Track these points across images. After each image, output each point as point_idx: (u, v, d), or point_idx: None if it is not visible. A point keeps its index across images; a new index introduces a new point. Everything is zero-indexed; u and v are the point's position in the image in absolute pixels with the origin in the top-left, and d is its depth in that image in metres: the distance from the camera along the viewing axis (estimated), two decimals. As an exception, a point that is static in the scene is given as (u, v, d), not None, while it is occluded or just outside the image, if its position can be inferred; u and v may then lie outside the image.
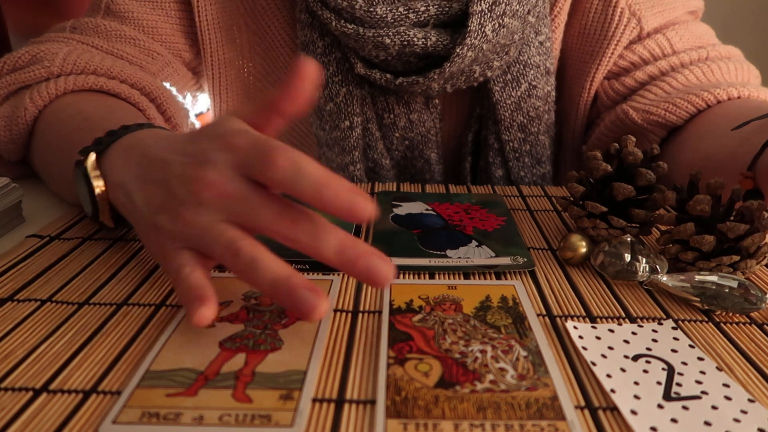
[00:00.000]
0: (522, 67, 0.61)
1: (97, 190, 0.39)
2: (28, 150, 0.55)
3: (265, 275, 0.30)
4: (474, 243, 0.44)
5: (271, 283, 0.30)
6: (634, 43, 0.64)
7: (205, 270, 0.32)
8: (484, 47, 0.55)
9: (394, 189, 0.58)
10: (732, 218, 0.39)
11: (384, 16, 0.55)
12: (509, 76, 0.61)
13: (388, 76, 0.58)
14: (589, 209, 0.43)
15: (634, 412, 0.27)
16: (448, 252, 0.43)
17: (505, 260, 0.42)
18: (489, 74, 0.60)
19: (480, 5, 0.54)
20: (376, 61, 0.58)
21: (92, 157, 0.39)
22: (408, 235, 0.46)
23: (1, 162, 0.57)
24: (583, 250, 0.41)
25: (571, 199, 0.46)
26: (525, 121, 0.63)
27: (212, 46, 0.66)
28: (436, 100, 0.63)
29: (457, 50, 0.54)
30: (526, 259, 0.42)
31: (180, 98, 0.65)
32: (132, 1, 0.62)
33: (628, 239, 0.40)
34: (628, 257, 0.39)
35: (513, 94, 0.62)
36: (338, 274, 0.39)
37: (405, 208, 0.51)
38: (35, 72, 0.53)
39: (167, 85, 0.63)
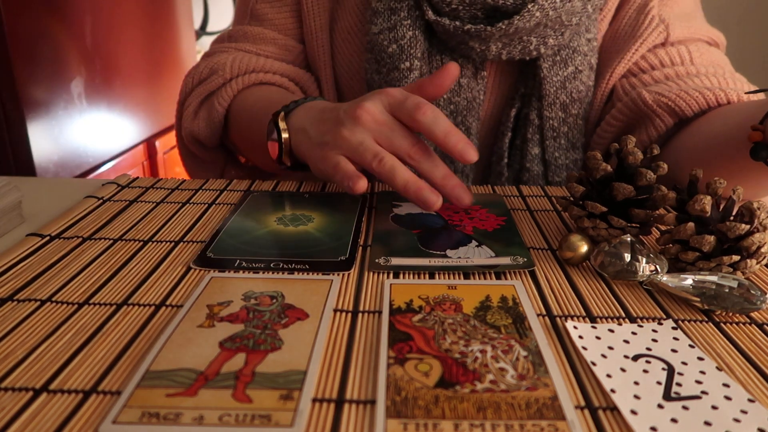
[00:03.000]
0: (571, 52, 0.66)
1: (284, 134, 0.54)
2: (226, 136, 0.74)
3: (401, 177, 0.46)
4: (474, 243, 0.44)
5: (404, 184, 0.46)
6: (658, 47, 0.67)
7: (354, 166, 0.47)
8: (550, 14, 0.59)
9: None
10: (732, 218, 0.39)
11: None
12: (558, 57, 0.66)
13: (457, 22, 0.62)
14: (589, 209, 0.43)
15: (634, 412, 0.27)
16: (448, 252, 0.43)
17: (505, 260, 0.42)
18: (542, 50, 0.64)
19: None
20: (447, 9, 0.62)
21: (281, 114, 0.54)
22: (408, 235, 0.46)
23: (203, 149, 0.75)
24: (583, 250, 0.41)
25: (571, 199, 0.46)
26: (567, 101, 0.66)
27: (314, 32, 0.75)
28: (485, 72, 0.67)
29: (529, 6, 0.59)
30: (526, 259, 0.42)
31: (312, 80, 0.77)
32: (266, 5, 0.75)
33: (628, 239, 0.40)
34: (628, 257, 0.39)
35: (560, 73, 0.66)
36: (338, 274, 0.40)
37: (405, 208, 0.51)
38: (215, 81, 0.70)
39: (303, 71, 0.77)
